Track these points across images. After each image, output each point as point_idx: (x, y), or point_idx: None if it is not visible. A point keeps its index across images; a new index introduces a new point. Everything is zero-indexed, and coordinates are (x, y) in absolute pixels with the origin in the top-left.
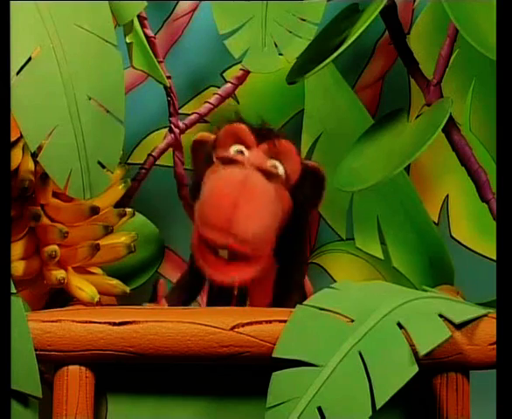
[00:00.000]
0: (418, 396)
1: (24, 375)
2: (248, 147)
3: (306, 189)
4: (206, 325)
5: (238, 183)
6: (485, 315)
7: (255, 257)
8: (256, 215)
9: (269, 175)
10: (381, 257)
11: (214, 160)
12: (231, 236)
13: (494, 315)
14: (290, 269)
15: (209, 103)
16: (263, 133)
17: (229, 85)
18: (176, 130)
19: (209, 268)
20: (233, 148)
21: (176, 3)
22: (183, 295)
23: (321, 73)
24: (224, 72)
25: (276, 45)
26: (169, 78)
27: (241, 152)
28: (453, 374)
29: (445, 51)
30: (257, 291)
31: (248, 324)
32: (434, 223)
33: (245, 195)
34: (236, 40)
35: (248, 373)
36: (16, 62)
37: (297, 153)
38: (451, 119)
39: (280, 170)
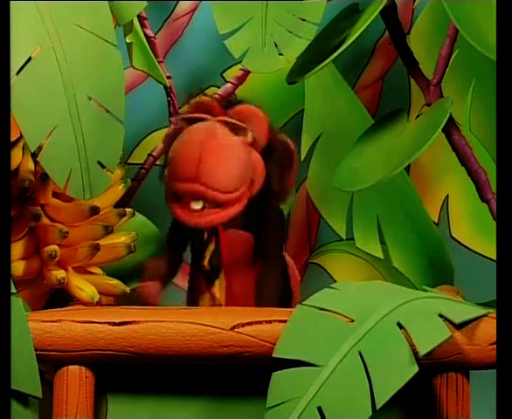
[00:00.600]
0: (418, 396)
1: (24, 375)
2: (214, 115)
3: (277, 158)
4: (206, 325)
5: (202, 133)
6: (485, 315)
7: (229, 202)
8: (223, 160)
9: (235, 128)
10: (381, 257)
11: (180, 122)
12: (201, 183)
13: (494, 315)
14: (266, 240)
15: None
16: (228, 102)
17: (229, 85)
18: None
19: (183, 215)
20: (195, 113)
21: (176, 3)
22: (162, 270)
23: (321, 73)
24: (224, 72)
25: (276, 45)
26: (169, 78)
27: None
28: (453, 374)
29: (445, 51)
30: (232, 267)
31: (248, 324)
32: (434, 223)
33: (211, 143)
34: (236, 40)
35: (248, 373)
36: (16, 62)
37: (263, 116)
38: (451, 119)
39: (247, 127)
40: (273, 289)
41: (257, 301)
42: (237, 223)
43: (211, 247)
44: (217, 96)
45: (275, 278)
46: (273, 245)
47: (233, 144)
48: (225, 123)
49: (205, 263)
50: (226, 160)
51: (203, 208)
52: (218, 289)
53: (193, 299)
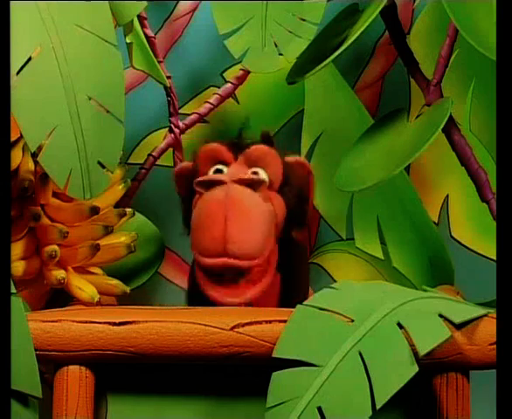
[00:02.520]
0: (418, 396)
1: (24, 375)
2: (226, 164)
3: (293, 186)
4: (206, 325)
5: (222, 201)
6: (485, 315)
7: (259, 271)
8: (247, 226)
9: (252, 183)
10: (381, 257)
11: (195, 188)
12: (229, 255)
13: (494, 315)
14: (293, 279)
15: (209, 103)
16: (239, 146)
17: (229, 85)
18: (176, 130)
19: (217, 295)
20: (212, 170)
21: (176, 3)
22: None
23: (321, 73)
24: (224, 72)
25: (276, 45)
26: (169, 78)
27: (219, 170)
28: (453, 374)
29: (445, 51)
30: (261, 304)
31: (248, 324)
32: (434, 223)
33: (232, 210)
34: (236, 40)
35: (248, 373)
36: (16, 62)
37: (274, 152)
38: (451, 119)
39: (263, 175)
40: None
41: None
42: None
43: None
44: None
45: None
46: (302, 284)
47: (255, 205)
48: (242, 181)
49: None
50: (250, 224)
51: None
52: None
53: None
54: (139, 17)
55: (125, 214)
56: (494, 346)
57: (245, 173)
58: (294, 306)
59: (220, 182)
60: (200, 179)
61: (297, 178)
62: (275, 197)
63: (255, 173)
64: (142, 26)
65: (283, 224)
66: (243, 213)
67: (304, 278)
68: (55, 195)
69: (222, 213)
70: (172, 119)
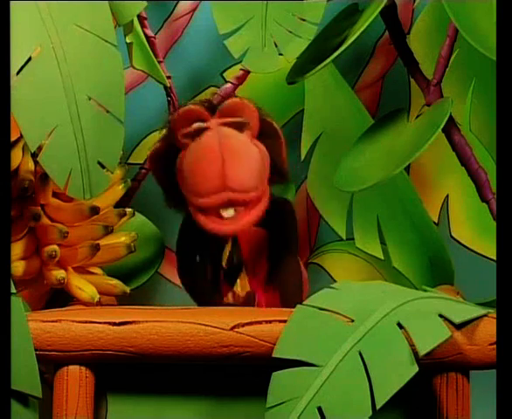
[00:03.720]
0: (418, 396)
1: (24, 375)
2: (205, 121)
3: (269, 136)
4: (206, 325)
5: (215, 143)
6: (485, 315)
7: (256, 199)
8: (243, 163)
9: (238, 125)
10: (381, 257)
11: (182, 140)
12: (229, 190)
13: (494, 315)
14: (280, 236)
15: None
16: (211, 105)
17: (229, 85)
18: None
19: (216, 226)
20: (194, 125)
21: (176, 3)
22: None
23: (321, 73)
24: (224, 72)
25: (276, 45)
26: (169, 78)
27: (200, 126)
28: (453, 374)
29: (445, 51)
30: (250, 263)
31: (248, 324)
32: (434, 223)
33: (227, 151)
34: (236, 40)
35: (248, 373)
36: (16, 62)
37: (250, 104)
38: (451, 119)
39: (247, 121)
40: (296, 283)
41: (282, 298)
42: None
43: (228, 246)
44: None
45: (296, 272)
46: (290, 239)
47: (245, 142)
48: (228, 124)
49: (224, 263)
50: (246, 160)
51: (235, 215)
52: (240, 287)
53: (210, 300)
54: (139, 17)
55: (125, 214)
56: (494, 346)
57: (228, 118)
58: (281, 263)
59: (206, 128)
60: (185, 131)
61: (268, 129)
62: (261, 146)
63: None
64: (142, 26)
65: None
66: (237, 151)
67: (291, 236)
68: (55, 195)
69: (218, 153)
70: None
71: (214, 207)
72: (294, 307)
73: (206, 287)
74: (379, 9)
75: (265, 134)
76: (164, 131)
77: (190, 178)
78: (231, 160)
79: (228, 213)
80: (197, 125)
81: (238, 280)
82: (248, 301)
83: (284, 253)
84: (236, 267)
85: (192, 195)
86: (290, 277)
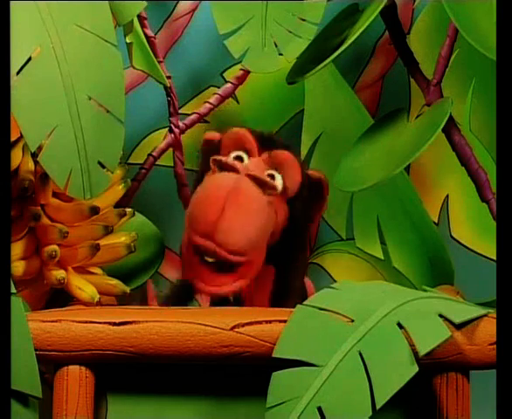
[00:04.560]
0: (418, 396)
1: (24, 375)
2: (249, 155)
3: (306, 200)
4: (206, 325)
5: (228, 189)
6: (485, 315)
7: (244, 267)
8: (241, 223)
9: (263, 184)
10: (381, 257)
11: (211, 164)
12: (215, 242)
13: (494, 315)
14: (287, 274)
15: (209, 103)
16: (267, 141)
17: (229, 85)
18: (176, 130)
19: (197, 279)
20: (233, 154)
21: (176, 3)
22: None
23: (321, 73)
24: (224, 72)
25: (276, 45)
26: (169, 78)
27: (240, 157)
28: (453, 374)
29: (445, 51)
30: (254, 297)
31: (248, 324)
32: (434, 223)
33: (233, 202)
34: (236, 40)
35: (248, 373)
36: (16, 62)
37: (298, 163)
38: (451, 119)
39: (278, 181)
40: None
41: None
42: None
43: None
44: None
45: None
46: (298, 278)
47: (257, 204)
48: (254, 178)
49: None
50: (247, 221)
51: (215, 262)
52: None
53: None
54: (139, 17)
55: (125, 214)
56: (494, 346)
57: (263, 170)
58: (286, 301)
59: (234, 169)
60: (218, 158)
61: (312, 191)
62: (282, 206)
63: (272, 175)
64: (142, 26)
65: (279, 235)
66: (242, 206)
67: (300, 275)
68: (55, 195)
69: (222, 199)
70: (172, 119)
71: (198, 248)
72: None
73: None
74: (379, 9)
75: (305, 189)
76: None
77: (191, 207)
78: (230, 214)
79: (209, 259)
80: (230, 161)
81: None
82: None
83: (288, 295)
84: (238, 301)
85: (187, 223)
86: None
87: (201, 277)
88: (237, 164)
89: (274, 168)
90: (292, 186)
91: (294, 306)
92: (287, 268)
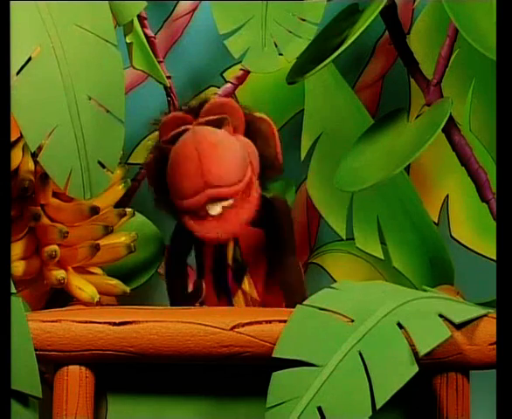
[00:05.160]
0: (418, 396)
1: (24, 375)
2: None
3: (259, 134)
4: (206, 325)
5: (191, 142)
6: (485, 315)
7: (240, 199)
8: (220, 156)
9: (214, 122)
10: (381, 257)
11: (164, 148)
12: (210, 186)
13: (494, 315)
14: (277, 236)
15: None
16: (196, 109)
17: (229, 85)
18: None
19: (205, 231)
20: (172, 132)
21: (176, 3)
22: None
23: (321, 73)
24: (224, 72)
25: (276, 45)
26: (169, 78)
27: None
28: (453, 374)
29: (445, 51)
30: (252, 265)
31: (248, 324)
32: (434, 223)
33: (202, 147)
34: (236, 40)
35: (248, 373)
36: (16, 62)
37: (232, 102)
38: (451, 119)
39: (226, 117)
40: (299, 282)
41: (287, 298)
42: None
43: (231, 246)
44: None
45: (297, 271)
46: (287, 239)
47: (222, 137)
48: (206, 123)
49: (230, 261)
50: (223, 153)
51: (222, 211)
52: (248, 285)
53: (220, 300)
54: (139, 17)
55: (125, 214)
56: (494, 346)
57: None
58: (280, 262)
59: (184, 131)
60: (165, 138)
61: (258, 126)
62: (244, 139)
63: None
64: (142, 26)
65: (259, 164)
66: (213, 145)
67: (288, 235)
68: (55, 195)
69: (194, 152)
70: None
71: (199, 207)
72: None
73: (188, 294)
74: (379, 9)
75: (254, 130)
76: (153, 141)
77: (172, 182)
78: (208, 156)
79: (214, 210)
80: (176, 129)
81: (246, 278)
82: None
83: (282, 253)
84: (241, 266)
85: (177, 198)
86: (291, 276)
87: (207, 227)
88: (183, 127)
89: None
90: (238, 121)
91: (290, 266)
92: (275, 228)
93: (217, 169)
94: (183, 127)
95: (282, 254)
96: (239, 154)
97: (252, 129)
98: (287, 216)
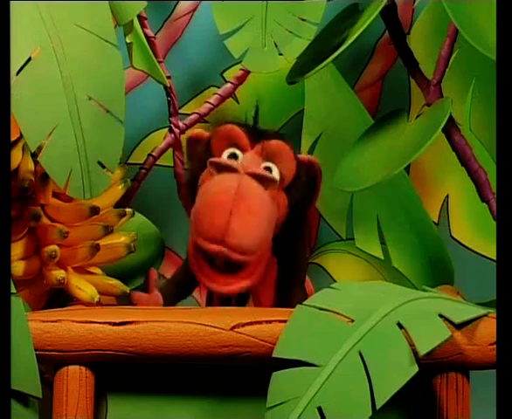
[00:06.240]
0: (418, 396)
1: (24, 375)
2: (242, 150)
3: (301, 186)
4: (206, 325)
5: (232, 191)
6: (485, 315)
7: (252, 266)
8: (250, 224)
9: (263, 179)
10: (381, 257)
11: (208, 166)
12: (226, 246)
13: (494, 315)
14: (290, 266)
15: (209, 103)
16: (257, 134)
17: (229, 85)
18: (176, 130)
19: (205, 278)
20: (226, 152)
21: (176, 3)
22: (177, 290)
23: (321, 73)
24: (224, 72)
25: (276, 45)
26: (169, 78)
27: (234, 155)
28: (453, 374)
29: (445, 51)
30: (258, 291)
31: (248, 324)
32: (434, 223)
33: (239, 204)
34: (236, 40)
35: (248, 373)
36: (16, 62)
37: (290, 150)
38: (451, 119)
39: (275, 172)
40: None
41: None
42: None
43: None
44: (247, 126)
45: (297, 298)
46: (299, 270)
47: (263, 204)
48: (255, 176)
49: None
50: (255, 221)
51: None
52: None
53: None
54: (139, 17)
55: (125, 214)
56: (494, 346)
57: (258, 164)
58: (290, 291)
59: (233, 170)
60: (215, 160)
61: (307, 177)
62: (281, 196)
63: (268, 168)
64: (142, 26)
65: (281, 225)
66: (249, 209)
67: (302, 265)
68: (55, 195)
69: (229, 203)
70: (172, 119)
71: (210, 254)
72: None
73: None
74: (379, 9)
75: (299, 178)
76: (210, 131)
77: (197, 213)
78: (240, 217)
79: (218, 262)
80: (226, 161)
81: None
82: None
83: (292, 285)
84: (244, 295)
85: (194, 230)
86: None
87: (211, 278)
88: (234, 163)
89: (268, 159)
90: (288, 174)
91: (296, 302)
92: (290, 261)
93: (242, 234)
94: (233, 164)
95: (292, 286)
96: (270, 226)
97: (298, 177)
98: (303, 247)
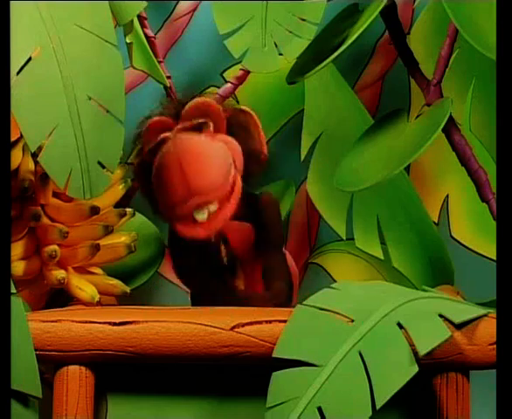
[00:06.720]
0: (418, 396)
1: (24, 375)
2: (171, 130)
3: (241, 130)
4: (206, 325)
5: (172, 152)
6: (485, 315)
7: (222, 200)
8: (201, 163)
9: (194, 128)
10: (381, 257)
11: (147, 157)
12: (195, 194)
13: (494, 315)
14: (265, 229)
15: None
16: (176, 112)
17: (229, 85)
18: None
19: (193, 233)
20: (152, 143)
21: (176, 3)
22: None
23: (321, 73)
24: (224, 72)
25: (276, 45)
26: (169, 78)
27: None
28: (453, 374)
29: (445, 51)
30: (243, 257)
31: (248, 324)
32: (434, 223)
33: (183, 155)
34: (236, 40)
35: (248, 373)
36: (16, 62)
37: (210, 101)
38: (451, 119)
39: (202, 119)
40: (282, 276)
41: (269, 294)
42: (236, 215)
43: (222, 245)
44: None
45: (282, 266)
46: (275, 233)
47: (203, 143)
48: (184, 129)
49: (224, 258)
50: (205, 160)
51: (208, 216)
52: (242, 281)
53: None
54: (139, 17)
55: (125, 214)
56: (494, 346)
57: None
58: (267, 253)
59: (165, 140)
60: (146, 149)
61: (240, 120)
62: (225, 138)
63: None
64: (142, 26)
65: (243, 160)
66: (195, 154)
67: (275, 228)
68: (55, 195)
69: (176, 162)
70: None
71: (186, 214)
72: (281, 304)
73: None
74: (379, 9)
75: (237, 124)
76: (138, 146)
77: (158, 191)
78: (190, 164)
79: (201, 216)
80: (155, 140)
81: (238, 273)
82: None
83: (269, 246)
84: (233, 263)
85: (164, 206)
86: (275, 272)
87: (194, 229)
88: (162, 135)
89: (194, 118)
90: (219, 120)
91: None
92: (265, 222)
93: (201, 178)
94: (162, 136)
95: (269, 247)
96: (222, 157)
97: (234, 124)
98: (274, 209)
